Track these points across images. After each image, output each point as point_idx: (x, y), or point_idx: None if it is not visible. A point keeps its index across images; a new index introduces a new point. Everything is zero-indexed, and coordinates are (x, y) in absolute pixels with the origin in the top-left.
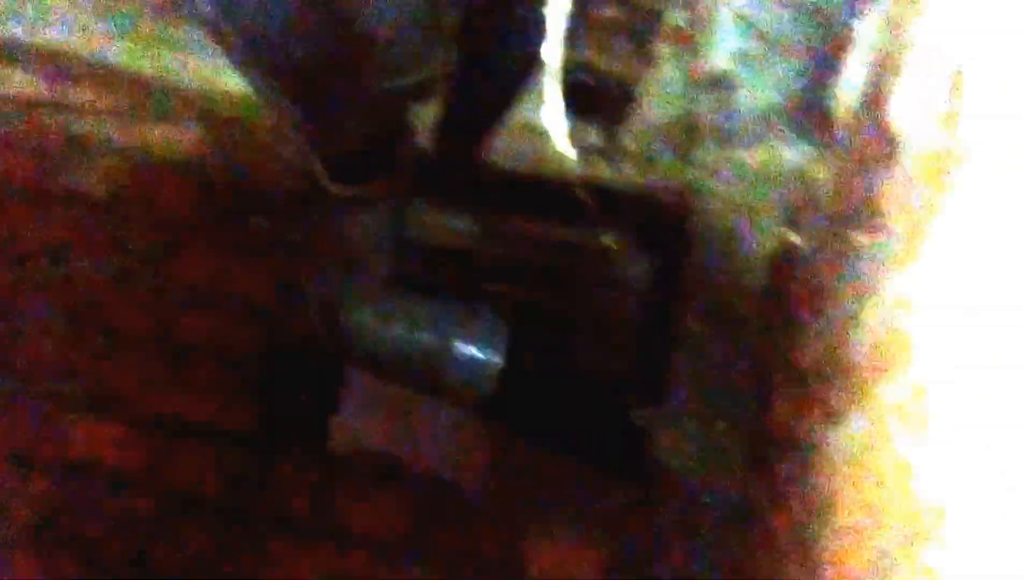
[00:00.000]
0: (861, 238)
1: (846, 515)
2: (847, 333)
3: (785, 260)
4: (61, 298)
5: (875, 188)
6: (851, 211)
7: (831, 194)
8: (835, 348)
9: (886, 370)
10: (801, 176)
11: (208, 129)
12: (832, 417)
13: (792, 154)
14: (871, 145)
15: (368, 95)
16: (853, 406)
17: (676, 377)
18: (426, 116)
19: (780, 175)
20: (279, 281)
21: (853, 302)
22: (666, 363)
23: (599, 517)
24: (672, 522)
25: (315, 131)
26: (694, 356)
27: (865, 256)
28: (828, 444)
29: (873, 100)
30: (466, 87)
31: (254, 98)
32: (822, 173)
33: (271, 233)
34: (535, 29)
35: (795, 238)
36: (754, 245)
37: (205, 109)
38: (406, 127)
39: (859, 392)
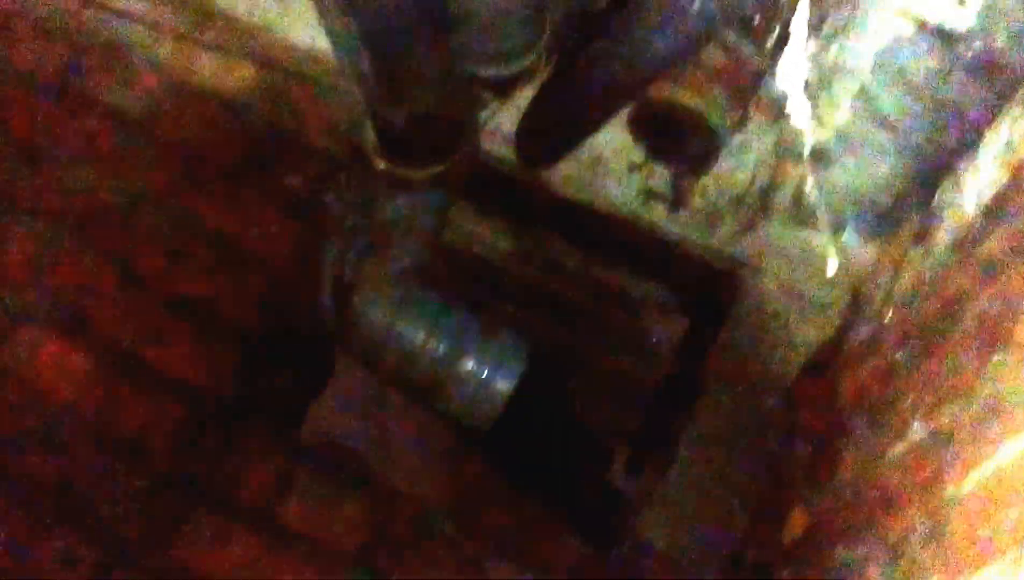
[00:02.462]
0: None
1: None
2: (931, 465)
3: (834, 355)
4: (66, 209)
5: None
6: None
7: (917, 299)
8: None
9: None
10: (875, 273)
11: (261, 72)
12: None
13: (869, 251)
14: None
15: (449, 71)
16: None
17: (683, 457)
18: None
19: (849, 271)
20: (297, 246)
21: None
22: (675, 437)
23: (555, 569)
24: None
25: (381, 93)
26: (707, 440)
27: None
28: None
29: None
30: (560, 96)
31: (317, 55)
32: (906, 277)
33: (302, 194)
34: (650, 51)
35: None
36: (798, 336)
37: (264, 51)
38: (474, 120)
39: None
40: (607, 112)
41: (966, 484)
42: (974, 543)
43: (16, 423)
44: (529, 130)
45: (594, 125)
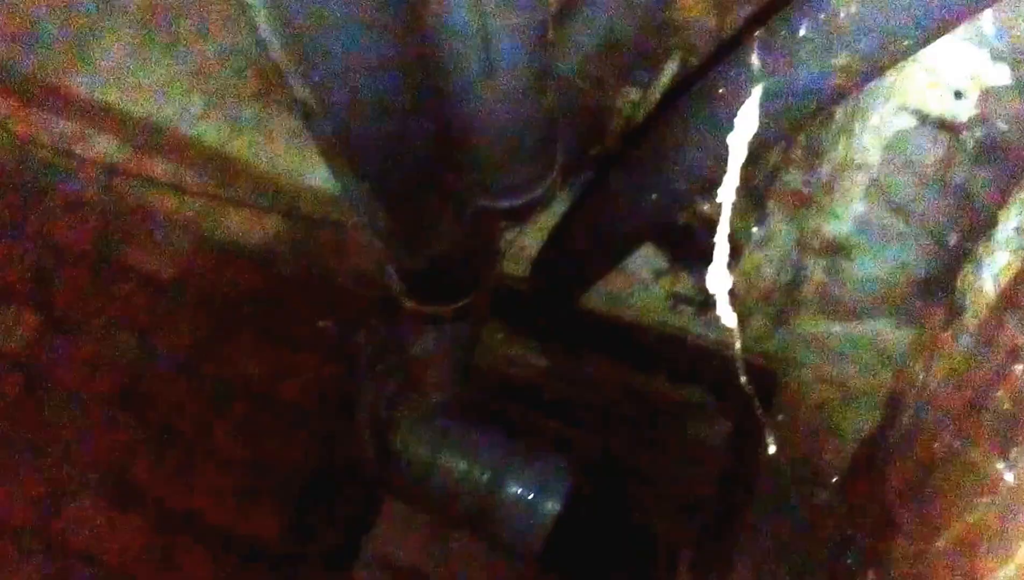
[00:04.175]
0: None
1: None
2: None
3: (880, 446)
4: (107, 379)
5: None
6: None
7: (948, 388)
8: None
9: None
10: (910, 360)
11: (288, 223)
12: None
13: (901, 335)
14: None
15: (462, 211)
16: None
17: (742, 553)
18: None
19: (884, 356)
20: (333, 389)
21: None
22: (733, 536)
23: None
24: None
25: (399, 241)
26: (764, 535)
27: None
28: None
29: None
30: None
31: (341, 198)
32: (939, 364)
33: (335, 337)
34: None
35: None
36: (844, 425)
37: (288, 202)
38: (493, 253)
39: None
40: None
41: None
42: None
43: None
44: (540, 283)
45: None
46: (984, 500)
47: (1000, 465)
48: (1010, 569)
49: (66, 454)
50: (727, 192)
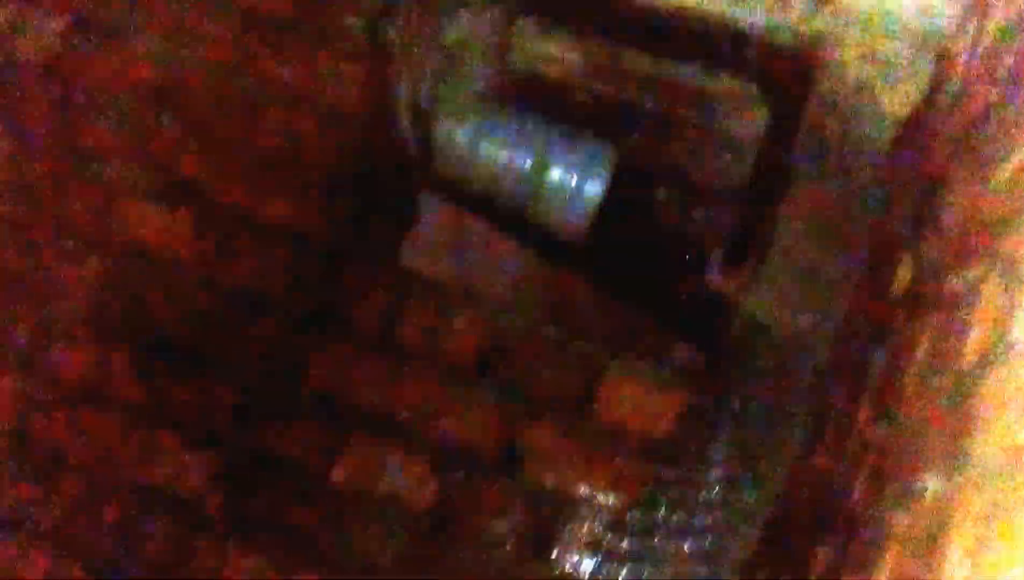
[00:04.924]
0: None
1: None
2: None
3: (927, 114)
4: (142, 79)
5: None
6: None
7: (1001, 47)
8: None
9: None
10: (959, 28)
11: None
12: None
13: (953, 4)
14: None
15: None
16: None
17: (783, 241)
18: None
19: (931, 29)
20: (370, 84)
21: None
22: (771, 225)
23: (674, 363)
24: (756, 372)
25: None
26: (806, 221)
27: None
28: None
29: None
30: None
31: None
32: (989, 26)
33: (363, 33)
34: None
35: None
36: (887, 103)
37: None
38: None
39: None
40: None
41: None
42: None
43: (136, 286)
44: None
45: None
46: None
47: None
48: None
49: (113, 154)
50: None
